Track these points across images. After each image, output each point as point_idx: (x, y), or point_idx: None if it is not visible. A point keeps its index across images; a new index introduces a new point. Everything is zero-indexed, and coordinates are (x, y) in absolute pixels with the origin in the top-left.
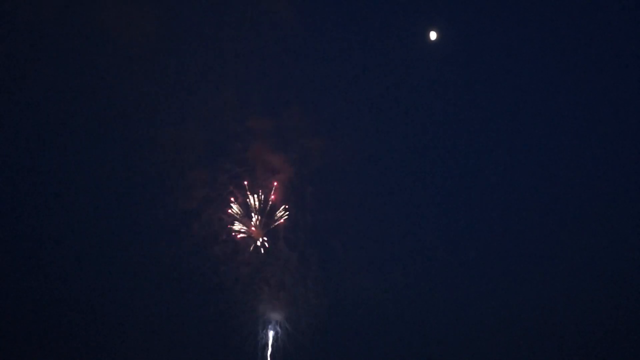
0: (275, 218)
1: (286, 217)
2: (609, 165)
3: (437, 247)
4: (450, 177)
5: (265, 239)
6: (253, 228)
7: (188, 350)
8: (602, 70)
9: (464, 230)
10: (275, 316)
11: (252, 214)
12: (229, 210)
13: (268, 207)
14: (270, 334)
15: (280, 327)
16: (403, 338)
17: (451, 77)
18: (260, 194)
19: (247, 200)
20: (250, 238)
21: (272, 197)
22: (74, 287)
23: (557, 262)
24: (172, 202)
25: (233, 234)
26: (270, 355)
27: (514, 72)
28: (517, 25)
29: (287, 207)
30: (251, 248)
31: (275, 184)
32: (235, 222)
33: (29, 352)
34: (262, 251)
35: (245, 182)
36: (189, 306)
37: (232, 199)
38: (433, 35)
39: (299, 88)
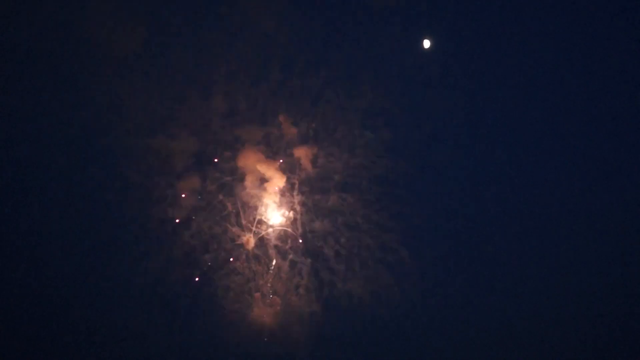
0: (266, 226)
1: (277, 225)
2: (607, 176)
3: (430, 254)
4: (443, 186)
5: (256, 247)
6: (244, 237)
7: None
8: (599, 82)
9: (458, 238)
10: (268, 325)
11: (243, 222)
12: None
13: (258, 215)
14: (263, 342)
15: (273, 335)
16: (396, 347)
17: (445, 86)
18: (250, 202)
19: (237, 209)
20: (241, 247)
21: (263, 204)
22: (60, 297)
23: (559, 267)
24: (161, 211)
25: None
26: None
27: (509, 80)
28: (513, 34)
29: (277, 214)
30: (242, 257)
31: (266, 191)
32: (226, 230)
33: None
34: (253, 260)
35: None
36: (180, 315)
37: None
38: (427, 44)
39: (289, 96)
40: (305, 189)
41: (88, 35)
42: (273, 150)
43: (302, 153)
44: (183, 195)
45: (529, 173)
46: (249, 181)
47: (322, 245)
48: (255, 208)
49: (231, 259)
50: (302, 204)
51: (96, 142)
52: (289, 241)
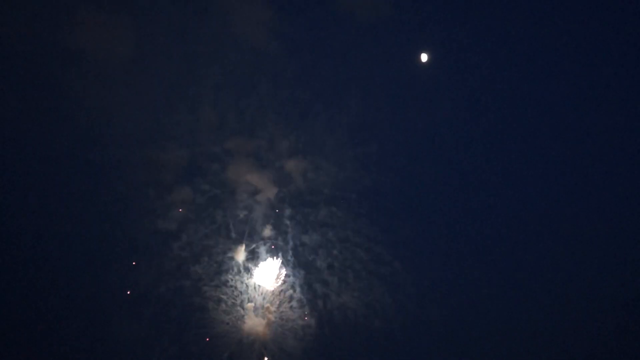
0: (257, 239)
1: (268, 238)
2: (604, 182)
3: (423, 266)
4: (433, 198)
5: (247, 260)
6: (235, 249)
7: None
8: (596, 96)
9: (449, 248)
10: (260, 338)
11: (233, 236)
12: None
13: (248, 228)
14: (255, 355)
15: (265, 349)
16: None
17: (442, 100)
18: (240, 214)
19: (227, 221)
20: (231, 259)
21: (253, 217)
22: (49, 309)
23: (558, 271)
24: (151, 223)
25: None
26: None
27: (507, 94)
28: (510, 48)
29: (268, 228)
30: (233, 269)
31: (256, 203)
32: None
33: None
34: (244, 271)
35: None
36: (170, 328)
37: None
38: (424, 58)
39: (278, 108)
40: (296, 202)
41: (75, 48)
42: (263, 163)
43: (292, 166)
44: (173, 207)
45: (517, 188)
46: (239, 194)
47: (313, 258)
48: (246, 221)
49: (222, 271)
50: (293, 216)
51: (86, 155)
52: (280, 254)
